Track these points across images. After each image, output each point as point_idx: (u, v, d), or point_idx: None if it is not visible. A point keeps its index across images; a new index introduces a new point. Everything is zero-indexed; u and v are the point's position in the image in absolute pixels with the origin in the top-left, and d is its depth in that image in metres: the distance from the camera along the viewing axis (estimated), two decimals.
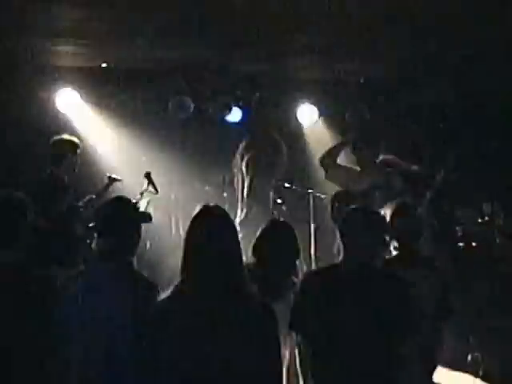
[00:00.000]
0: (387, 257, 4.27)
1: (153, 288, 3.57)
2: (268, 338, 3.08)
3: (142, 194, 7.01)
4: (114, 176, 7.21)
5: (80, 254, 5.99)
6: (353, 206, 3.75)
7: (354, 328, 3.44)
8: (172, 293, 3.12)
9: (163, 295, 3.16)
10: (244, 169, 7.68)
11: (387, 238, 3.69)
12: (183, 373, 3.02)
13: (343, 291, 3.50)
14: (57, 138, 6.82)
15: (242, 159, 7.75)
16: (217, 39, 7.15)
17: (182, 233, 8.40)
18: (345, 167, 7.17)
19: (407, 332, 3.49)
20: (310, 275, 3.77)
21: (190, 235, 3.18)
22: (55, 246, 6.05)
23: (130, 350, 3.33)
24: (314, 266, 7.66)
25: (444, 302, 4.26)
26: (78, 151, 6.81)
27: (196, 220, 3.19)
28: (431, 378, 4.26)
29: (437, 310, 4.20)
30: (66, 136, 6.87)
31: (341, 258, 3.64)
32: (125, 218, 3.75)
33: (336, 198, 7.00)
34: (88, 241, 5.93)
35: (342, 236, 3.63)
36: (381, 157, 6.99)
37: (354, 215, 3.66)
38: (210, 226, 3.16)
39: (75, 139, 6.87)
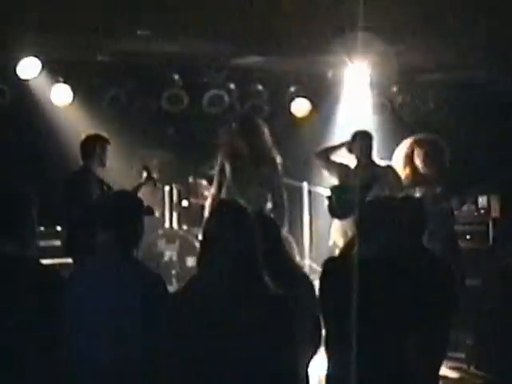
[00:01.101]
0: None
1: (159, 279, 3.60)
2: (285, 328, 3.08)
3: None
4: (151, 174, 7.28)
5: None
6: (369, 198, 3.80)
7: (367, 318, 3.48)
8: (190, 285, 3.12)
9: (180, 287, 3.16)
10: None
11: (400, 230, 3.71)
12: (200, 364, 3.02)
13: (354, 281, 3.52)
14: (88, 134, 7.00)
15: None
16: (211, 33, 7.13)
17: (176, 227, 8.48)
18: (339, 164, 7.15)
19: (415, 323, 3.53)
20: (328, 264, 3.83)
21: (208, 229, 3.17)
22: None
23: (140, 342, 3.37)
24: (308, 260, 7.68)
25: (451, 294, 4.28)
26: (108, 147, 6.92)
27: (213, 214, 3.20)
28: (438, 372, 4.29)
29: (443, 302, 4.22)
30: (96, 132, 7.05)
31: (356, 248, 3.67)
32: (128, 211, 3.77)
33: (333, 191, 7.02)
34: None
35: (358, 227, 3.66)
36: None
37: (370, 207, 3.70)
38: (227, 220, 3.15)
39: (105, 136, 6.98)
